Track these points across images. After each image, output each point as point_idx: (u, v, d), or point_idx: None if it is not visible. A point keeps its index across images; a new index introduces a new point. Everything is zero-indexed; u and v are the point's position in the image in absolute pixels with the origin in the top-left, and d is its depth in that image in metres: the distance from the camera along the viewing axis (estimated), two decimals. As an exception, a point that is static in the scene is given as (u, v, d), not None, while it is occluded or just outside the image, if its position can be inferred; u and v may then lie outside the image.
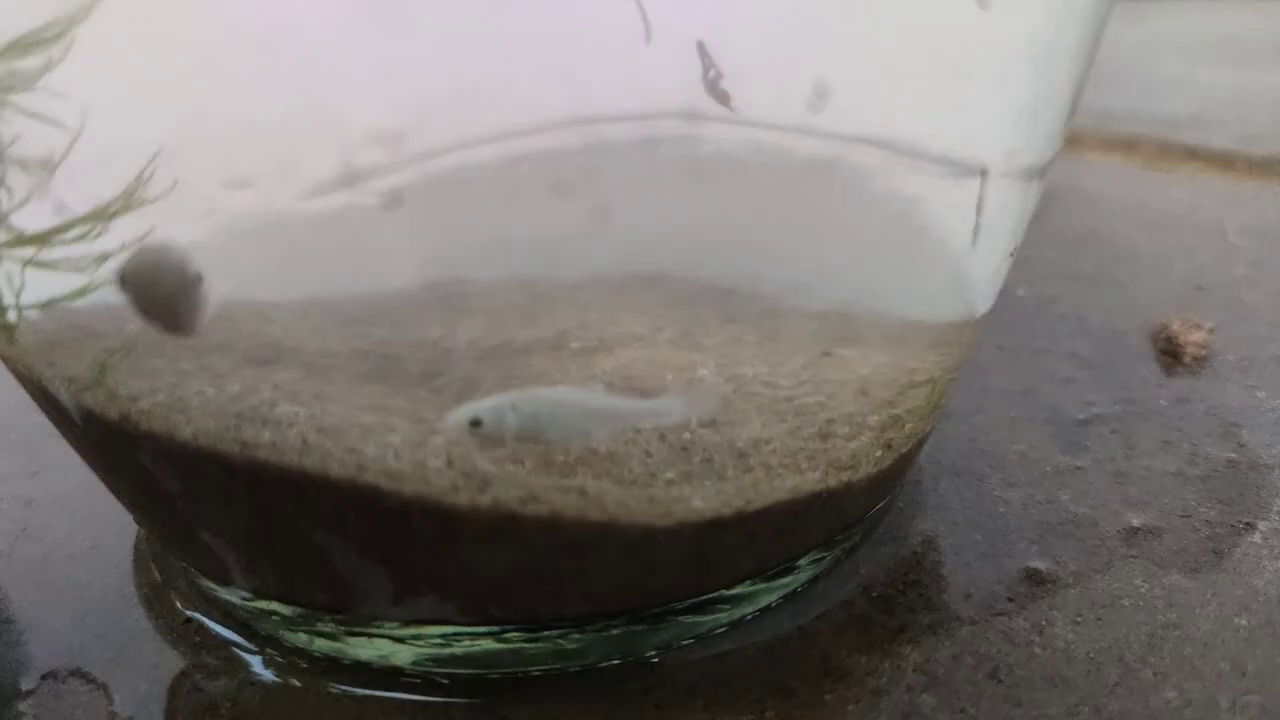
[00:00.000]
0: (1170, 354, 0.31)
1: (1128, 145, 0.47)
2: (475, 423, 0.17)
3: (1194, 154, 0.46)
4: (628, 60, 0.15)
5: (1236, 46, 0.62)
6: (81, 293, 0.17)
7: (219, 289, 0.17)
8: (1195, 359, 0.30)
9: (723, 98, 0.15)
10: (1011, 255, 0.22)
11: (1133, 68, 0.57)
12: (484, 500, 0.17)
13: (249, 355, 0.17)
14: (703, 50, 0.15)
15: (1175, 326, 0.31)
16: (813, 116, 0.16)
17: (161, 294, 0.16)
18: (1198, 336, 0.30)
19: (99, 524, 0.25)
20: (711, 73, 0.15)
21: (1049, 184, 0.22)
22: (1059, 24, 0.19)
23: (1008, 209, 0.20)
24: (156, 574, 0.24)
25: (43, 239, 0.17)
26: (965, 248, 0.20)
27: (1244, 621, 0.21)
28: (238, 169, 0.15)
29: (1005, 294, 0.23)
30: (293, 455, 0.17)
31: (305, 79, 0.15)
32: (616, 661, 0.21)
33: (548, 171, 0.15)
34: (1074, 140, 0.48)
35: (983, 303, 0.22)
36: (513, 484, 0.17)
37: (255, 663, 0.21)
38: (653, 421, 0.17)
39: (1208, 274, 0.36)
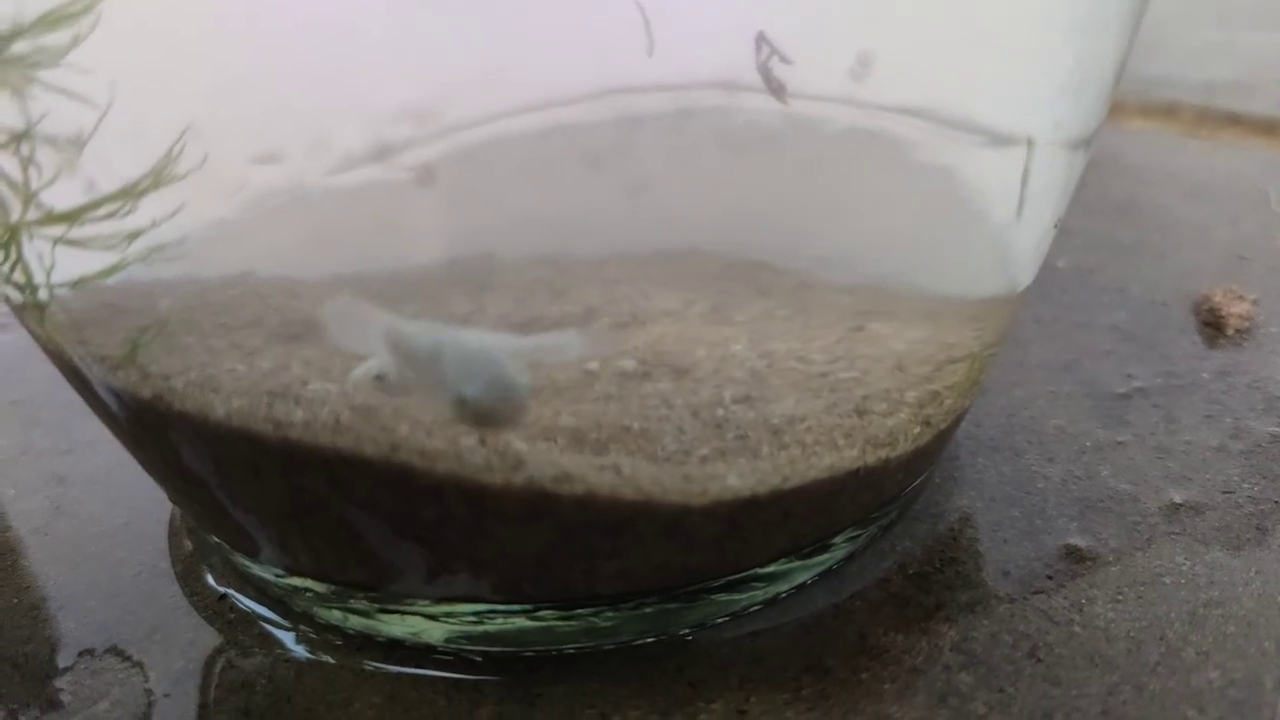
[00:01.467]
0: (1213, 326, 0.30)
1: (1167, 112, 0.46)
2: (380, 377, 0.16)
3: (1235, 120, 0.45)
4: (660, 30, 0.15)
5: (1277, 10, 0.61)
6: (112, 271, 0.17)
7: (248, 264, 0.17)
8: (1238, 331, 0.29)
9: (777, 88, 0.15)
10: (1056, 227, 0.21)
11: (1171, 33, 0.56)
12: (518, 479, 0.17)
13: (279, 332, 0.17)
14: (761, 39, 0.15)
15: (1218, 298, 0.30)
16: (855, 87, 0.16)
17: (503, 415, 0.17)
18: (1241, 308, 0.30)
19: (132, 501, 0.26)
20: (773, 58, 0.15)
21: (1091, 154, 0.21)
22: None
23: (1052, 181, 0.20)
24: (191, 551, 0.24)
25: (72, 217, 0.17)
26: (1008, 221, 0.19)
27: (1290, 600, 0.21)
28: (266, 144, 0.15)
29: (1044, 266, 0.22)
30: (326, 435, 0.17)
31: (333, 53, 0.14)
32: (650, 640, 0.21)
33: (579, 145, 0.15)
34: (1112, 107, 0.47)
35: (1025, 277, 0.22)
36: (546, 462, 0.17)
37: (289, 640, 0.21)
38: (555, 357, 0.17)
39: (1250, 244, 0.35)
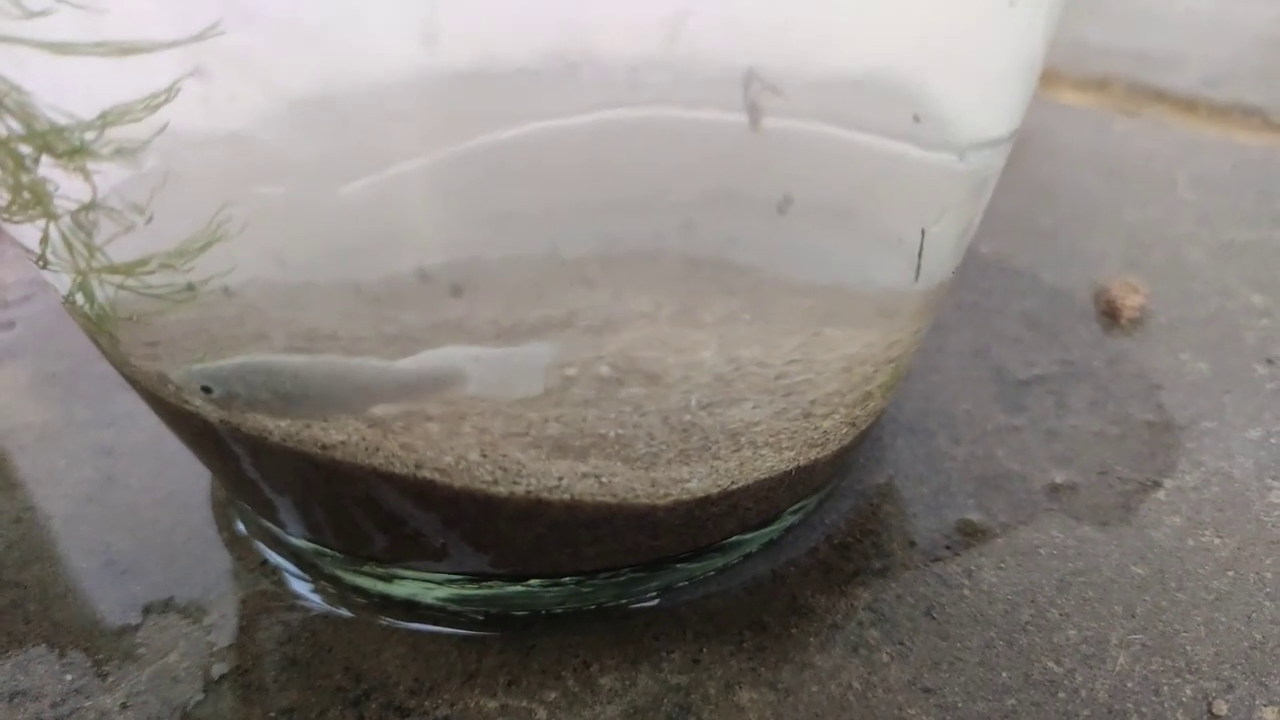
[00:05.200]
0: (1109, 315, 0.34)
1: (1100, 84, 0.50)
2: (206, 389, 0.20)
3: (1161, 96, 0.48)
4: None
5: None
6: (165, 310, 0.20)
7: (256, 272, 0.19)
8: (1131, 320, 0.34)
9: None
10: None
11: (1112, -1, 0.59)
12: (518, 490, 0.21)
13: (290, 345, 0.20)
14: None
15: (1114, 290, 0.34)
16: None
17: None
18: (1134, 300, 0.34)
19: (175, 472, 0.29)
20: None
21: (1022, 130, 0.23)
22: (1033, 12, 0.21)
23: (991, 169, 0.23)
24: (232, 517, 0.28)
25: (129, 269, 0.20)
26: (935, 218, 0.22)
27: (1139, 570, 0.26)
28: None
29: (970, 251, 0.26)
30: (363, 456, 0.21)
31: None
32: (623, 602, 0.25)
33: (557, 150, 0.17)
34: (1050, 78, 0.50)
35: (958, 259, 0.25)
36: (541, 474, 0.21)
37: (322, 600, 0.26)
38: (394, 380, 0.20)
39: (1154, 229, 0.39)
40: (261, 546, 0.27)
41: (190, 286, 0.20)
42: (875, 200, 0.21)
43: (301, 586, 0.26)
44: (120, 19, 0.17)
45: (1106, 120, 0.47)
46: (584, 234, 0.19)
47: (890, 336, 0.24)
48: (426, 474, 0.21)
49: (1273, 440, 0.30)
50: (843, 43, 0.18)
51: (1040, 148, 0.44)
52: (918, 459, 0.29)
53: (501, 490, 0.21)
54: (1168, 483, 0.28)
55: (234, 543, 0.27)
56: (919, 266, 0.23)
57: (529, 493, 0.21)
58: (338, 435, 0.21)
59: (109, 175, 0.18)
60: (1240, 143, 0.45)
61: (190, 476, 0.29)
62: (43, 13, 0.17)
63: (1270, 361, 0.32)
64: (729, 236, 0.20)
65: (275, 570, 0.26)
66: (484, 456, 0.21)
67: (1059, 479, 0.29)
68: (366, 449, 0.21)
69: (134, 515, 0.28)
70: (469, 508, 0.22)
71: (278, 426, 0.21)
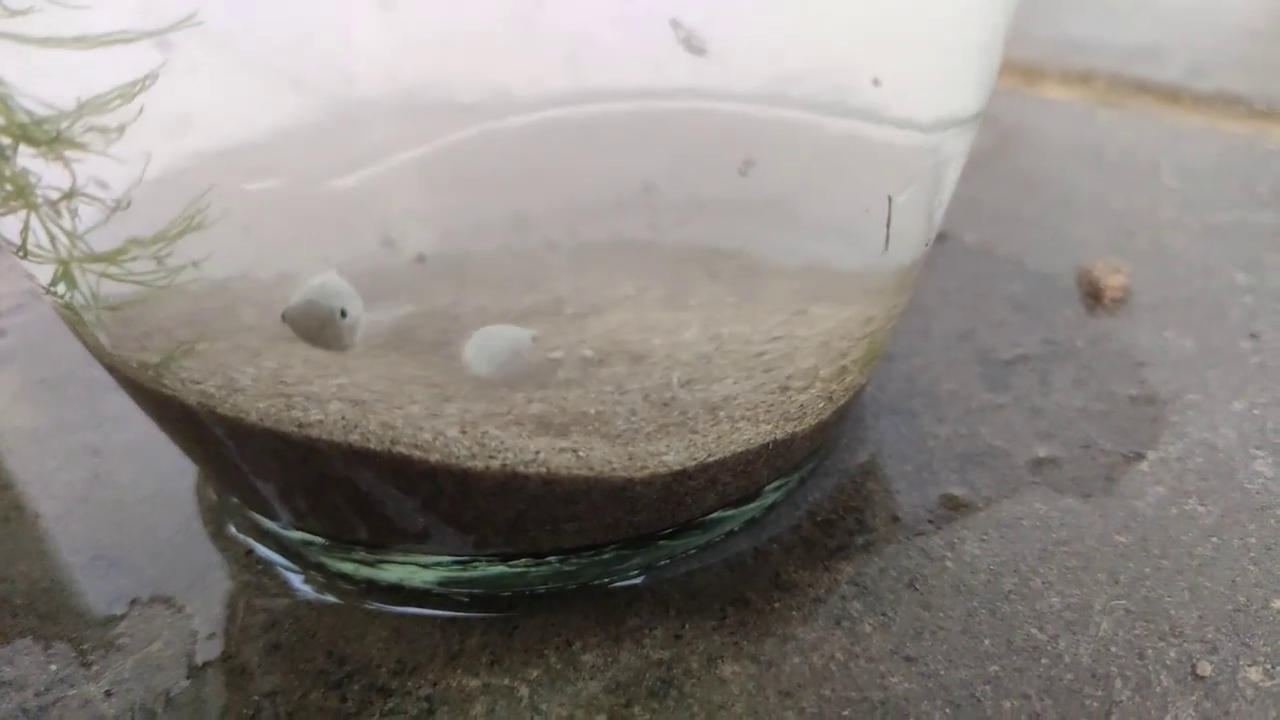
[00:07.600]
0: (1092, 296, 0.34)
1: (1084, 79, 0.50)
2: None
3: (1144, 88, 0.49)
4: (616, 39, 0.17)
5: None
6: (143, 299, 0.21)
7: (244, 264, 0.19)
8: (1114, 301, 0.34)
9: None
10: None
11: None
12: (495, 464, 0.21)
13: (277, 332, 0.20)
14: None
15: (1097, 270, 0.35)
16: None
17: (316, 327, 0.19)
18: (1117, 280, 0.34)
19: (161, 469, 0.30)
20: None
21: (1006, 124, 0.24)
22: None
23: (959, 148, 0.23)
24: (217, 512, 0.28)
25: (110, 257, 0.21)
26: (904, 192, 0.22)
27: (1122, 539, 0.26)
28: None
29: (955, 240, 0.26)
30: (339, 434, 0.21)
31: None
32: (606, 580, 0.25)
33: (551, 143, 0.18)
34: (1034, 73, 0.51)
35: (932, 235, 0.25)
36: (518, 449, 0.21)
37: (308, 588, 0.26)
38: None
39: (1138, 216, 0.40)
40: (247, 539, 0.27)
41: (160, 264, 0.20)
42: (839, 177, 0.22)
43: (287, 576, 0.26)
44: (100, 13, 0.17)
45: (1090, 113, 0.48)
46: (564, 225, 0.19)
47: (867, 312, 0.24)
48: (402, 450, 0.21)
49: (1256, 411, 0.29)
50: (797, 24, 0.19)
51: (1024, 141, 0.45)
52: (901, 438, 0.29)
53: (478, 465, 0.21)
54: (1151, 454, 0.28)
55: (220, 536, 0.27)
56: (887, 236, 0.23)
57: (505, 467, 0.21)
58: (316, 414, 0.21)
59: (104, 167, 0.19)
60: (1224, 130, 0.45)
61: (177, 474, 0.29)
62: (25, 11, 0.18)
63: (1254, 336, 0.32)
64: (703, 219, 0.20)
65: (261, 561, 0.27)
66: (463, 434, 0.21)
67: (1042, 453, 0.29)
68: (344, 426, 0.21)
69: (121, 512, 0.28)
70: (445, 483, 0.22)
71: (255, 406, 0.21)
